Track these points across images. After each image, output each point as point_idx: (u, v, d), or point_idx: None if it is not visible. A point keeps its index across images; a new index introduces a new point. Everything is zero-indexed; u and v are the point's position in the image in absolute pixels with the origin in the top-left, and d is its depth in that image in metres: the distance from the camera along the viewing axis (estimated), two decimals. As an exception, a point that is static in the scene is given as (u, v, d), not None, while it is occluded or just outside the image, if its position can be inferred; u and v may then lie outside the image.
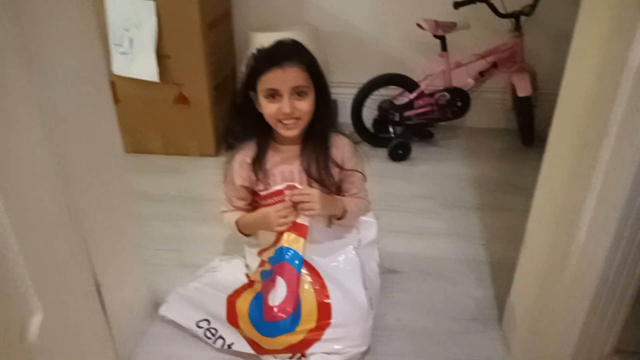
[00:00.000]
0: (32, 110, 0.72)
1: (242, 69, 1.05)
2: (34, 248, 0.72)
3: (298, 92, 0.98)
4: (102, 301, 0.91)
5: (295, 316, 0.98)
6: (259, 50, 1.02)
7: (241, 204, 1.14)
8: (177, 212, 1.62)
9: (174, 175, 1.88)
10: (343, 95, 2.22)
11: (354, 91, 2.02)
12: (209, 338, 1.05)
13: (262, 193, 1.10)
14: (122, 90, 1.92)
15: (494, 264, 1.35)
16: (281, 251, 1.02)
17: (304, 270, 1.03)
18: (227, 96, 2.15)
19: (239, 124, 1.11)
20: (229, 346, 1.03)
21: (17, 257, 0.69)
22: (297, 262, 1.02)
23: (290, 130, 1.02)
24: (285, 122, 1.00)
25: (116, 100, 1.89)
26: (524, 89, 1.90)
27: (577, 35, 0.82)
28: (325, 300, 1.00)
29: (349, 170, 1.10)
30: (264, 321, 0.97)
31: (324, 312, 0.99)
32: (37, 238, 0.73)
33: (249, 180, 1.10)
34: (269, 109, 0.99)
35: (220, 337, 1.04)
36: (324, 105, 1.05)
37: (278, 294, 0.99)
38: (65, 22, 0.81)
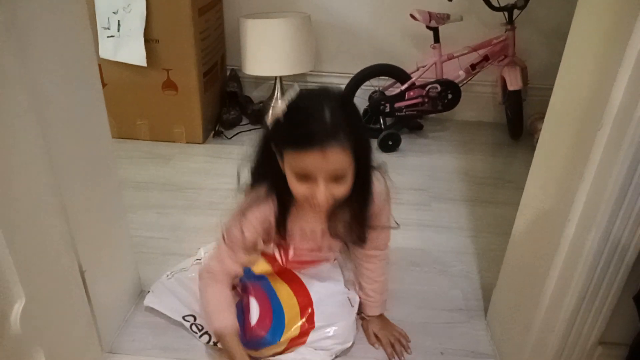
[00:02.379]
0: (21, 93, 0.70)
1: (267, 120, 0.85)
2: (17, 233, 0.70)
3: (336, 177, 0.79)
4: (86, 288, 0.90)
5: (277, 326, 0.97)
6: (292, 111, 0.79)
7: (244, 258, 0.95)
8: (164, 200, 1.59)
9: (160, 162, 1.85)
10: (334, 85, 2.21)
11: (345, 81, 2.01)
12: (195, 332, 1.04)
13: (275, 254, 1.04)
14: (108, 74, 1.88)
15: (481, 256, 1.36)
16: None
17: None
18: (217, 83, 2.12)
19: (256, 169, 0.91)
20: (215, 343, 1.01)
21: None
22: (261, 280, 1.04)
23: (321, 211, 0.88)
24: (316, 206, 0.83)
25: (103, 84, 1.85)
26: (514, 83, 1.90)
27: (574, 27, 0.81)
28: (309, 308, 1.00)
29: (382, 226, 0.98)
30: (246, 339, 0.95)
31: (308, 318, 1.00)
32: (20, 223, 0.71)
33: (262, 236, 0.95)
34: (298, 189, 0.82)
35: (207, 333, 1.02)
36: (365, 177, 0.86)
37: (253, 314, 0.97)
38: (55, 5, 0.79)
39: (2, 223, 0.66)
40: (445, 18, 1.87)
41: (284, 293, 1.02)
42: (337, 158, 0.76)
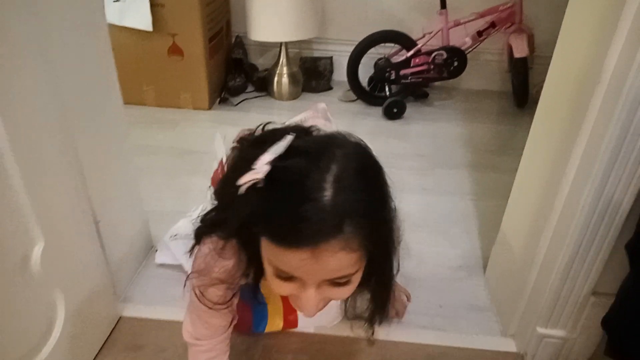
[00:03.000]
0: (36, 57, 0.72)
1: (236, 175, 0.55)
2: (36, 181, 0.73)
3: (335, 282, 0.57)
4: (100, 238, 0.94)
5: (260, 319, 0.98)
6: (277, 180, 0.53)
7: (221, 306, 0.72)
8: (171, 164, 1.62)
9: (167, 127, 1.88)
10: (339, 53, 2.20)
11: (351, 48, 2.00)
12: None
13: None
14: (114, 39, 1.82)
15: (481, 218, 1.39)
16: None
17: None
18: (222, 50, 2.12)
19: (220, 216, 0.67)
20: None
21: (20, 188, 0.70)
22: None
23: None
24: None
25: (109, 49, 1.86)
26: (521, 50, 1.89)
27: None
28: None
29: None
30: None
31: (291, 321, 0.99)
32: (39, 173, 0.74)
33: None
34: (278, 285, 0.58)
35: None
36: (383, 279, 0.66)
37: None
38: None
39: (22, 172, 0.70)
40: (452, -17, 1.85)
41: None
42: (336, 262, 0.52)
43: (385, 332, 1.00)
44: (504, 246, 1.10)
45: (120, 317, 1.04)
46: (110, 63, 0.99)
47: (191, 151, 1.70)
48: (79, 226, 0.88)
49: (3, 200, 0.68)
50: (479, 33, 1.94)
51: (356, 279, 0.58)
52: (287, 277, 0.56)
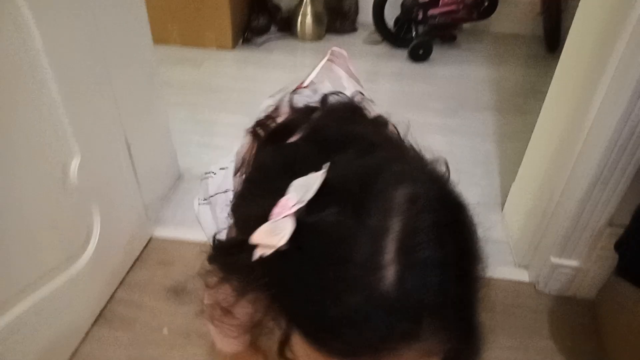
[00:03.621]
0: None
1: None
2: (75, 102, 0.78)
3: None
4: (131, 159, 0.98)
5: None
6: (299, 250, 0.33)
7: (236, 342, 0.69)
8: (197, 100, 1.65)
9: (192, 65, 1.89)
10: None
11: (378, -14, 1.95)
12: None
13: None
14: None
15: (503, 159, 1.39)
16: None
17: None
18: (247, -13, 2.09)
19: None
20: None
21: (60, 106, 0.75)
22: None
23: None
24: None
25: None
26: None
27: None
28: None
29: None
30: None
31: None
32: (77, 95, 0.79)
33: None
34: None
35: None
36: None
37: None
38: None
39: (62, 92, 0.74)
40: None
41: None
42: None
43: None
44: (523, 182, 1.11)
45: (151, 237, 1.11)
46: (142, 3, 1.00)
47: (216, 89, 1.72)
48: (112, 145, 0.92)
49: (45, 113, 0.73)
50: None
51: None
52: None
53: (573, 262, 0.94)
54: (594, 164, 0.82)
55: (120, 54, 0.93)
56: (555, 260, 0.95)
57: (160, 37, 2.02)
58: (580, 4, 0.88)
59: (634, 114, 0.76)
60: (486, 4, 1.89)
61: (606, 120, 0.79)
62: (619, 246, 0.72)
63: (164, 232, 1.11)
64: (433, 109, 1.64)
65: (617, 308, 0.90)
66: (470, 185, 1.29)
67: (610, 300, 0.93)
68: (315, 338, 0.34)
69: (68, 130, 0.77)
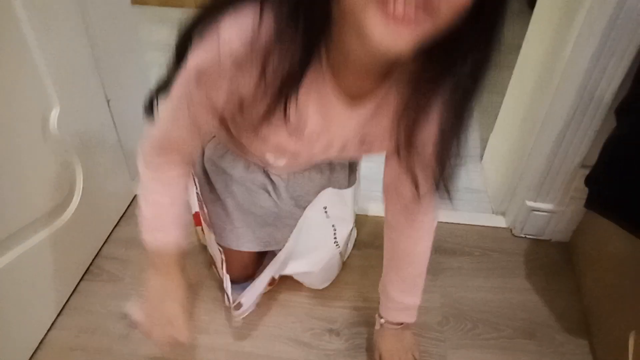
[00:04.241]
0: None
1: None
2: (53, 53, 0.77)
3: None
4: (111, 113, 0.98)
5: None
6: None
7: (177, 157, 0.61)
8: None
9: (172, 26, 1.85)
10: None
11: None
12: None
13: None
14: None
15: (482, 112, 1.40)
16: None
17: None
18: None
19: None
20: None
21: (39, 57, 0.74)
22: None
23: (400, 29, 0.38)
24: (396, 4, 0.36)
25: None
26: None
27: None
28: None
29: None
30: None
31: None
32: (56, 47, 0.78)
33: (244, 105, 0.52)
34: None
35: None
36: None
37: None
38: None
39: (40, 43, 0.74)
40: None
41: None
42: None
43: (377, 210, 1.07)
44: (500, 132, 1.13)
45: (135, 195, 1.11)
46: None
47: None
48: (91, 99, 0.92)
49: (24, 64, 0.72)
50: None
51: None
52: None
53: (548, 205, 0.98)
54: (566, 107, 0.84)
55: (99, 11, 0.91)
56: (530, 204, 0.98)
57: (138, -2, 1.98)
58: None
59: (602, 58, 0.78)
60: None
61: (576, 65, 0.80)
62: (588, 179, 0.75)
63: (148, 189, 1.12)
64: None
65: (591, 248, 0.94)
66: (451, 138, 1.31)
67: (585, 241, 0.97)
68: None
69: (47, 81, 0.77)
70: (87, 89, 0.90)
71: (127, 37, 1.06)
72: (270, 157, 0.68)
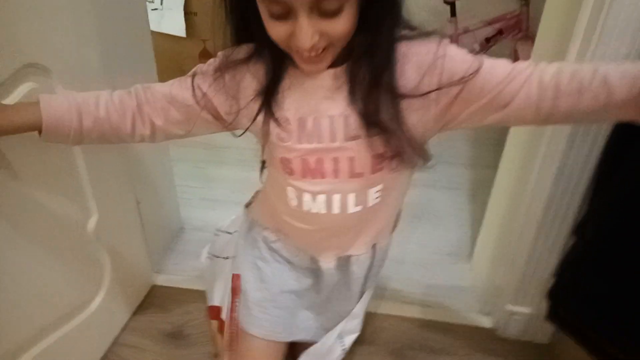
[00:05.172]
0: (96, 53, 0.91)
1: None
2: (94, 167, 0.93)
3: (324, 7, 0.54)
4: (140, 215, 1.13)
5: None
6: None
7: (164, 122, 0.70)
8: (199, 156, 1.82)
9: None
10: None
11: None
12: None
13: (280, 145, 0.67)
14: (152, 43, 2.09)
15: (475, 212, 1.52)
16: None
17: None
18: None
19: (233, 21, 0.63)
20: None
21: (85, 176, 0.91)
22: None
23: (315, 65, 0.59)
24: (304, 54, 0.57)
25: (147, 52, 2.08)
26: (527, 57, 2.00)
27: None
28: None
29: (468, 77, 0.60)
30: None
31: None
32: (97, 163, 0.94)
33: (224, 99, 0.67)
34: (274, 32, 0.57)
35: None
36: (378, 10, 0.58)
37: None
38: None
39: (87, 160, 0.90)
40: (461, -7, 1.98)
41: None
42: None
43: (375, 306, 1.16)
44: (486, 234, 1.24)
45: (153, 285, 1.24)
46: (152, 66, 1.19)
47: (216, 145, 1.88)
48: (124, 205, 1.07)
49: (72, 182, 0.89)
50: (487, 40, 2.06)
51: (349, 11, 0.55)
52: (280, 15, 0.55)
53: (527, 309, 1.06)
54: (535, 223, 0.96)
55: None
56: (511, 307, 1.07)
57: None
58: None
59: (561, 183, 0.90)
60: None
61: (545, 180, 0.92)
62: (550, 294, 0.84)
63: (165, 280, 1.24)
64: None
65: (571, 348, 1.00)
66: (445, 236, 1.42)
67: (563, 343, 1.03)
68: None
69: (88, 194, 0.93)
70: (121, 195, 1.06)
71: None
72: (292, 196, 0.70)
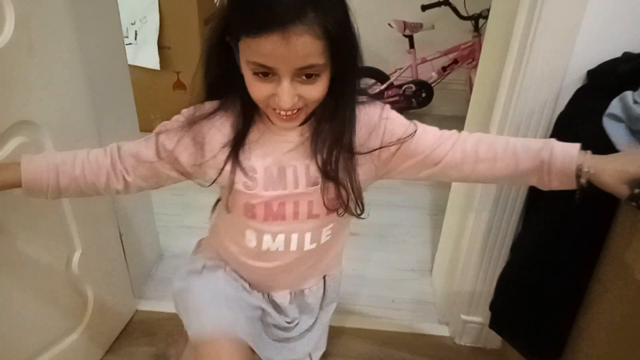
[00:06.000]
0: (84, 91, 0.98)
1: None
2: (79, 202, 1.00)
3: (305, 73, 0.61)
4: (123, 247, 1.21)
5: None
6: None
7: (134, 177, 0.75)
8: (177, 184, 1.89)
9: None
10: None
11: (333, 81, 2.29)
12: None
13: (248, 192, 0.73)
14: None
15: (436, 230, 1.65)
16: None
17: None
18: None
19: (211, 77, 0.72)
20: None
21: (69, 214, 0.98)
22: None
23: (289, 123, 0.67)
24: (280, 112, 0.65)
25: (123, 85, 2.15)
26: (480, 83, 2.18)
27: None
28: None
29: (406, 138, 0.72)
30: None
31: None
32: (80, 202, 1.01)
33: (194, 153, 0.73)
34: (257, 90, 0.64)
35: None
36: (346, 80, 0.67)
37: None
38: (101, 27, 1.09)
39: (70, 201, 0.97)
40: (418, 27, 2.15)
41: None
42: (303, 45, 0.58)
43: (342, 320, 1.26)
44: (442, 251, 1.36)
45: (136, 310, 1.30)
46: (130, 98, 1.28)
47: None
48: (107, 238, 1.15)
49: (57, 220, 0.96)
50: (444, 68, 2.23)
51: (323, 80, 0.63)
52: (264, 74, 0.61)
53: (478, 319, 1.18)
54: (478, 248, 1.09)
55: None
56: (464, 317, 1.19)
57: (144, 127, 2.27)
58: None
59: (497, 213, 1.04)
60: (423, 95, 2.24)
61: (485, 204, 1.05)
62: (491, 306, 0.96)
63: (147, 305, 1.31)
64: (379, 186, 1.91)
65: (518, 354, 1.12)
66: (408, 254, 1.54)
67: (512, 349, 1.15)
68: (253, 25, 0.58)
69: (72, 228, 1.00)
70: (105, 229, 1.13)
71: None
72: (250, 238, 0.77)
